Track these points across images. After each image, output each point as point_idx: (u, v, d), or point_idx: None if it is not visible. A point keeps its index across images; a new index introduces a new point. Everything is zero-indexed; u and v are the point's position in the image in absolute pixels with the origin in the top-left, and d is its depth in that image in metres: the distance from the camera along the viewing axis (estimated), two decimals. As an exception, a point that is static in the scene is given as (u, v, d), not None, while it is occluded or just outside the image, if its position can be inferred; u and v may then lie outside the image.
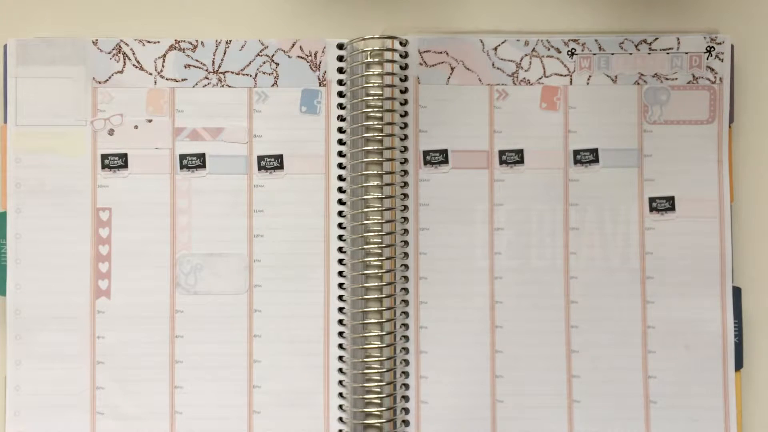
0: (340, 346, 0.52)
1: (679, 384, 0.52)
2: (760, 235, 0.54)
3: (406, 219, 0.53)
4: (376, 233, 0.52)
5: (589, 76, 0.54)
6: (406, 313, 0.53)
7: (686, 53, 0.53)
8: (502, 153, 0.53)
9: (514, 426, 0.52)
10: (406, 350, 0.53)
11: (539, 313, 0.53)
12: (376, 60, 0.52)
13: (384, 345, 0.52)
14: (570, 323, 0.53)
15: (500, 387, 0.52)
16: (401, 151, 0.53)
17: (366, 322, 0.52)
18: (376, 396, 0.51)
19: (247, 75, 0.53)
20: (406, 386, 0.52)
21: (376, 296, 0.52)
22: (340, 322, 0.53)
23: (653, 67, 0.53)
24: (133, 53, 0.53)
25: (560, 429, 0.52)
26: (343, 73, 0.53)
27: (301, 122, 0.53)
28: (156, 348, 0.52)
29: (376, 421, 0.52)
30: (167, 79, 0.53)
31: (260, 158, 0.53)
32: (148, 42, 0.53)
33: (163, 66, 0.53)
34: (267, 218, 0.53)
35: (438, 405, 0.52)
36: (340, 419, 0.52)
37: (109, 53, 0.53)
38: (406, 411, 0.52)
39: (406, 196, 0.53)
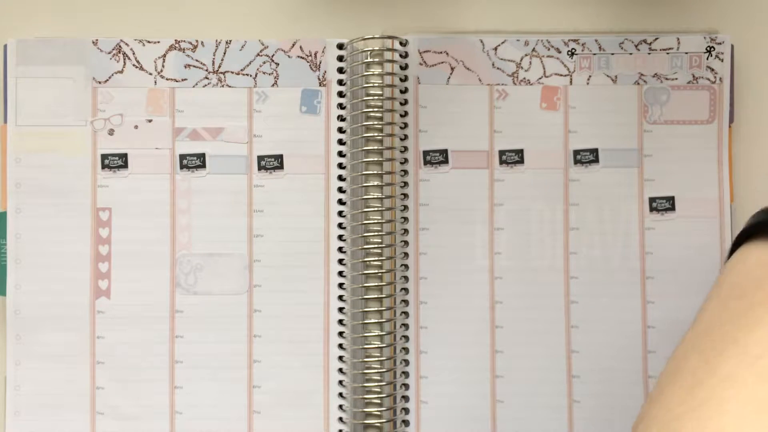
0: (340, 346, 0.52)
1: (679, 384, 0.52)
2: (760, 235, 0.54)
3: (406, 219, 0.53)
4: (376, 233, 0.52)
5: (589, 76, 0.54)
6: (406, 313, 0.53)
7: (686, 53, 0.53)
8: (502, 153, 0.53)
9: (514, 426, 0.52)
10: (406, 350, 0.53)
11: (539, 313, 0.53)
12: (376, 60, 0.52)
13: (384, 345, 0.52)
14: (570, 323, 0.53)
15: (500, 387, 0.52)
16: (401, 151, 0.53)
17: (366, 322, 0.52)
18: (376, 396, 0.51)
19: (247, 75, 0.53)
20: (406, 386, 0.52)
21: (376, 296, 0.52)
22: (340, 322, 0.53)
23: (653, 67, 0.53)
24: (133, 53, 0.53)
25: (560, 429, 0.52)
26: (343, 73, 0.53)
27: (301, 122, 0.53)
28: (156, 348, 0.52)
29: (376, 421, 0.52)
30: (167, 79, 0.53)
31: (260, 158, 0.53)
32: (148, 42, 0.53)
33: (163, 66, 0.53)
34: (267, 218, 0.53)
35: (438, 405, 0.52)
36: (340, 419, 0.52)
37: (109, 53, 0.53)
38: (406, 411, 0.52)
39: (406, 196, 0.53)
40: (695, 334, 0.35)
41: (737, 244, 0.39)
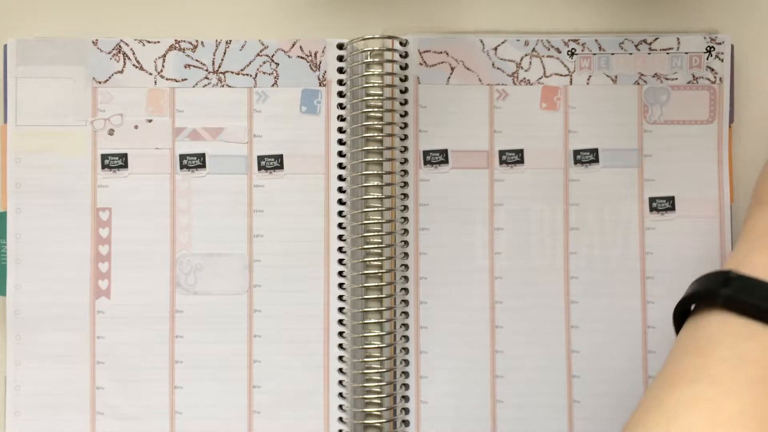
0: (340, 346, 0.52)
1: (679, 384, 0.52)
2: (760, 235, 0.54)
3: (406, 219, 0.53)
4: (376, 233, 0.52)
5: (589, 76, 0.54)
6: (406, 313, 0.53)
7: (686, 53, 0.53)
8: (502, 153, 0.53)
9: (514, 426, 0.52)
10: (406, 350, 0.53)
11: (539, 313, 0.53)
12: (376, 60, 0.52)
13: (384, 345, 0.52)
14: (570, 323, 0.53)
15: (500, 387, 0.52)
16: (401, 151, 0.53)
17: (366, 322, 0.52)
18: (376, 396, 0.51)
19: (247, 75, 0.53)
20: (406, 386, 0.52)
21: (376, 296, 0.52)
22: (340, 322, 0.53)
23: (653, 67, 0.53)
24: (133, 53, 0.53)
25: (560, 429, 0.52)
26: (343, 73, 0.53)
27: (301, 122, 0.53)
28: (156, 348, 0.52)
29: (376, 421, 0.52)
30: (167, 79, 0.53)
31: (260, 158, 0.53)
32: (148, 42, 0.53)
33: (163, 66, 0.53)
34: (267, 218, 0.53)
35: (438, 405, 0.52)
36: (340, 419, 0.52)
37: (109, 53, 0.53)
38: (406, 411, 0.52)
39: (406, 196, 0.53)
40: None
41: (680, 308, 0.41)
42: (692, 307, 0.41)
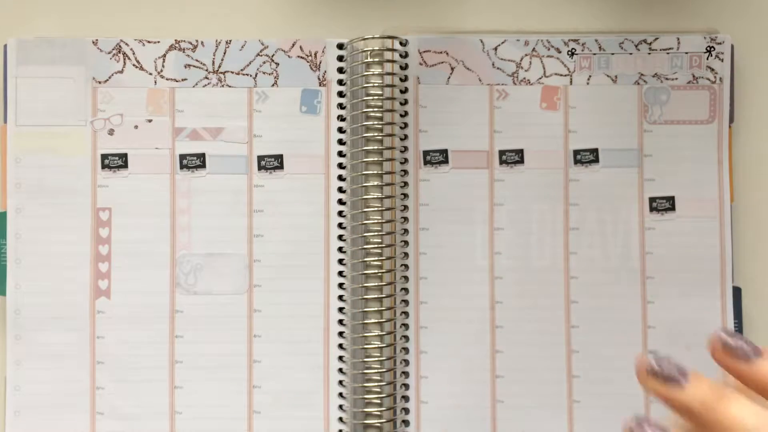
0: (340, 346, 0.52)
1: (679, 384, 0.52)
2: (760, 235, 0.54)
3: (406, 219, 0.53)
4: (376, 233, 0.52)
5: (589, 76, 0.54)
6: (406, 313, 0.53)
7: (686, 53, 0.53)
8: (502, 153, 0.53)
9: (514, 426, 0.52)
10: (406, 350, 0.52)
11: (539, 313, 0.53)
12: (376, 60, 0.52)
13: (384, 345, 0.52)
14: (570, 323, 0.53)
15: (500, 387, 0.52)
16: (401, 151, 0.53)
17: (366, 322, 0.52)
18: (376, 396, 0.51)
19: (247, 75, 0.53)
20: (406, 386, 0.52)
21: (376, 296, 0.52)
22: (340, 322, 0.53)
23: (653, 67, 0.53)
24: (133, 53, 0.53)
25: (560, 429, 0.52)
26: (343, 73, 0.53)
27: (301, 122, 0.53)
28: (156, 348, 0.52)
29: (376, 421, 0.52)
30: (167, 79, 0.53)
31: (260, 158, 0.53)
32: (148, 42, 0.53)
33: (163, 66, 0.53)
34: (267, 218, 0.53)
35: (438, 405, 0.52)
36: (340, 419, 0.52)
37: (109, 53, 0.53)
38: (406, 411, 0.52)
39: (406, 196, 0.53)
40: None
41: None
42: None
